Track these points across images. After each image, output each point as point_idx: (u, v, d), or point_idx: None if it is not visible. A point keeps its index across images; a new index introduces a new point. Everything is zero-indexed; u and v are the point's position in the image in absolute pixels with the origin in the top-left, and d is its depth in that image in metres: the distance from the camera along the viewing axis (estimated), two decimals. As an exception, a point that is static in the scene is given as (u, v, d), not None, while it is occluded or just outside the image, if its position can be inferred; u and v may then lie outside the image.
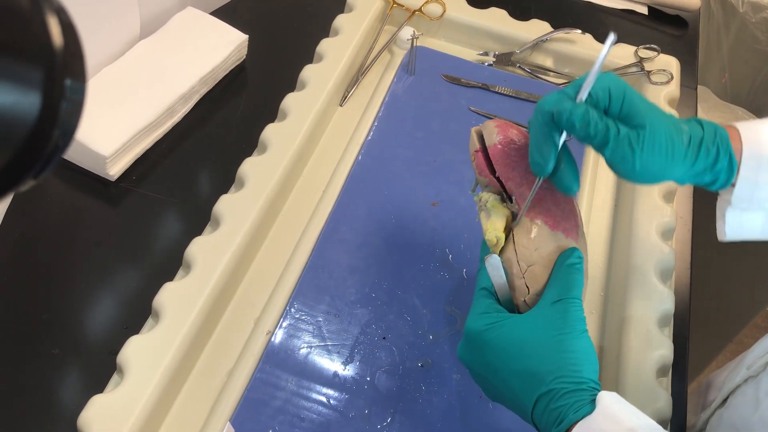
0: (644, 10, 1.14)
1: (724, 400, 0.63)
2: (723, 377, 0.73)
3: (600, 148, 0.53)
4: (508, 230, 0.57)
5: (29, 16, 0.24)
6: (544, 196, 0.57)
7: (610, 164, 0.55)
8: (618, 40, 1.00)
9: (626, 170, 0.54)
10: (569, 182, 0.55)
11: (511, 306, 0.57)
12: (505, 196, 0.58)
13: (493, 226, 0.56)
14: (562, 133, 0.53)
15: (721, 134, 0.55)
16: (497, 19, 0.99)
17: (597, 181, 0.86)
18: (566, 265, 0.55)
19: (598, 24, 1.10)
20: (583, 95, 0.52)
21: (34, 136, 0.25)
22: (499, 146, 0.59)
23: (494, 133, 0.60)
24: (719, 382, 0.74)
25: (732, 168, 0.55)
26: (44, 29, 0.24)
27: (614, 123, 0.53)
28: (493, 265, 0.55)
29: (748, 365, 0.61)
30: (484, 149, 0.60)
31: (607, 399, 0.47)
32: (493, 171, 0.59)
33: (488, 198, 0.58)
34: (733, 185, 0.56)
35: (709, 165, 0.55)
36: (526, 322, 0.53)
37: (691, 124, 0.56)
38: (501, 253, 0.56)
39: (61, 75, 0.25)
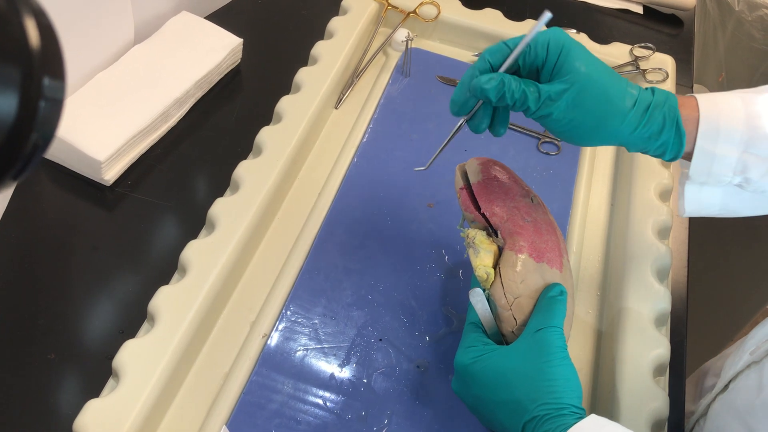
0: (639, 9, 1.14)
1: (726, 386, 0.63)
2: (721, 364, 0.73)
3: (526, 113, 0.54)
4: (496, 264, 0.60)
5: (6, 17, 0.24)
6: (527, 228, 0.60)
7: (543, 125, 0.56)
8: (613, 39, 1.00)
9: (555, 129, 0.55)
10: (478, 123, 0.57)
11: (500, 338, 0.60)
12: (491, 231, 0.61)
13: (482, 263, 0.59)
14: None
15: (671, 103, 0.55)
16: (492, 19, 0.99)
17: (593, 181, 0.86)
18: (548, 298, 0.57)
19: (594, 23, 1.10)
20: (505, 68, 0.54)
21: (13, 136, 0.25)
22: (483, 183, 0.62)
23: (477, 171, 0.63)
24: (717, 369, 0.74)
25: (680, 139, 0.54)
26: (21, 30, 0.24)
27: (534, 86, 0.53)
28: (477, 298, 0.59)
29: (751, 351, 0.61)
30: (468, 186, 0.63)
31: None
32: (477, 207, 0.62)
33: (475, 235, 0.61)
34: (689, 155, 0.56)
35: (654, 132, 0.54)
36: (509, 354, 0.55)
37: (643, 90, 0.55)
38: (489, 286, 0.59)
39: (39, 74, 0.25)
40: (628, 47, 0.98)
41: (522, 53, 0.53)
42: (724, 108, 0.54)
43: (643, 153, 0.57)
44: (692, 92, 1.02)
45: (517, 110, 0.54)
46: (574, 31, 0.97)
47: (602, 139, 0.55)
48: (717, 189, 0.57)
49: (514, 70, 0.55)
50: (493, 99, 0.53)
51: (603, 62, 0.55)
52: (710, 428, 0.64)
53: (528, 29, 0.97)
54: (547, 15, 0.51)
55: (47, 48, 0.25)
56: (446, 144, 0.60)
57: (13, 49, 0.24)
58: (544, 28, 0.53)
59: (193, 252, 0.66)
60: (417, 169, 0.66)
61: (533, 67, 0.54)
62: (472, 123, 0.57)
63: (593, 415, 0.50)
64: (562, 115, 0.53)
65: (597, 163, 0.89)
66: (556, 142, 0.88)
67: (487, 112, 0.57)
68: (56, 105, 0.26)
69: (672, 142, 0.55)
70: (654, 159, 0.83)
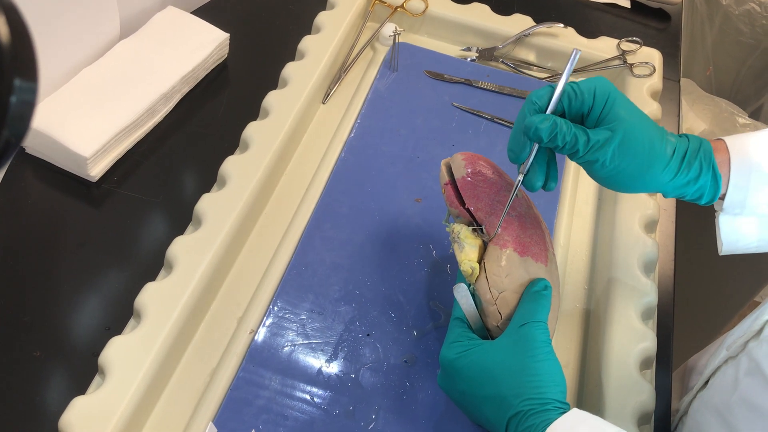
0: (627, 4, 1.14)
1: (706, 382, 0.64)
2: (704, 361, 0.74)
3: (572, 157, 0.56)
4: (481, 259, 0.60)
5: None
6: (512, 222, 0.60)
7: (587, 172, 0.57)
8: (600, 34, 1.00)
9: (600, 175, 0.56)
10: (534, 180, 0.58)
11: (485, 333, 0.60)
12: (476, 226, 0.61)
13: (467, 257, 0.59)
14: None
15: (706, 148, 0.57)
16: (480, 14, 0.99)
17: (581, 175, 0.87)
18: (532, 292, 0.57)
19: (581, 18, 1.10)
20: (552, 107, 0.55)
21: None
22: (468, 178, 0.62)
23: (462, 166, 0.63)
24: (701, 366, 0.74)
25: (717, 183, 0.56)
26: None
27: (584, 131, 0.55)
28: (461, 293, 0.59)
29: (728, 346, 0.61)
30: (453, 182, 0.63)
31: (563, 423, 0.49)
32: (462, 202, 0.62)
33: (460, 230, 0.61)
34: (723, 196, 0.57)
35: (692, 178, 0.56)
36: (494, 349, 0.55)
37: (679, 137, 0.57)
38: (474, 281, 0.59)
39: (9, 70, 0.24)
40: (615, 41, 0.98)
41: (569, 99, 0.55)
42: (753, 143, 0.57)
43: (680, 198, 0.58)
44: (679, 86, 1.02)
45: (566, 152, 0.55)
46: (561, 25, 0.97)
47: (644, 185, 0.56)
48: (751, 219, 0.58)
49: (561, 114, 0.57)
50: (545, 139, 0.54)
51: (643, 112, 0.57)
52: (691, 425, 0.64)
53: (512, 24, 0.97)
54: (577, 52, 0.55)
55: (18, 44, 0.25)
56: (509, 205, 0.60)
57: None
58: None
59: (179, 248, 0.66)
60: (488, 238, 0.63)
61: (579, 113, 0.56)
62: (528, 178, 0.58)
63: (575, 410, 0.50)
64: (609, 161, 0.54)
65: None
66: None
67: (542, 165, 0.58)
68: (28, 102, 0.26)
69: (709, 186, 0.56)
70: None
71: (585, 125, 0.56)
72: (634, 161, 0.54)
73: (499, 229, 0.60)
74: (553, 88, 0.55)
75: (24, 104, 0.25)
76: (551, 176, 0.59)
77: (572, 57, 0.55)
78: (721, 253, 0.61)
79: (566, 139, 0.54)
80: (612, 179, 0.56)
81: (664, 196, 0.58)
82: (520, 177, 0.58)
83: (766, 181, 0.56)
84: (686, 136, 0.58)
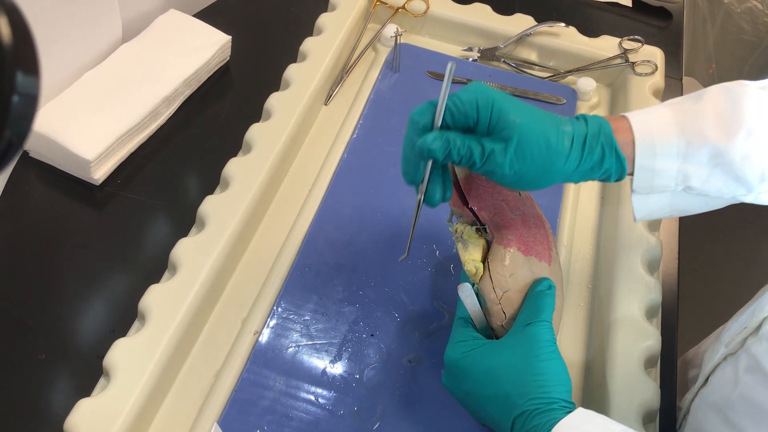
0: (628, 2, 1.14)
1: (706, 380, 0.63)
2: (700, 355, 0.73)
3: (471, 168, 0.54)
4: (485, 258, 0.60)
5: None
6: (515, 221, 0.60)
7: (490, 179, 0.56)
8: (602, 32, 1.00)
9: (502, 182, 0.55)
10: (434, 196, 0.57)
11: (489, 332, 0.60)
12: (479, 226, 0.61)
13: (471, 257, 0.59)
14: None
15: (606, 131, 0.55)
16: (481, 14, 0.99)
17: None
18: (536, 292, 0.57)
19: (582, 17, 1.10)
20: (438, 122, 0.53)
21: None
22: (470, 178, 0.62)
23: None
24: (698, 360, 0.74)
25: (621, 164, 0.55)
26: None
27: (478, 142, 0.53)
28: (466, 293, 0.59)
29: (726, 343, 0.61)
30: (456, 181, 0.63)
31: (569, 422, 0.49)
32: (465, 202, 0.62)
33: (463, 229, 0.61)
34: (631, 174, 0.57)
35: (596, 163, 0.55)
36: (498, 348, 0.55)
37: (576, 122, 0.56)
38: (478, 280, 0.59)
39: (11, 70, 0.24)
40: (617, 40, 0.98)
41: (451, 114, 0.53)
42: (656, 125, 0.56)
43: (589, 181, 0.58)
44: (681, 84, 1.02)
45: (463, 165, 0.54)
46: (563, 24, 0.97)
47: (548, 181, 0.55)
48: (663, 195, 0.58)
49: (447, 128, 0.55)
50: (440, 157, 0.52)
51: (531, 106, 0.55)
52: (692, 423, 0.64)
53: (513, 24, 0.97)
54: (451, 65, 0.51)
55: (20, 45, 0.25)
56: (414, 225, 0.60)
57: None
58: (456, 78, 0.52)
59: (183, 250, 0.66)
60: (401, 259, 0.67)
61: (465, 127, 0.54)
62: (428, 195, 0.57)
63: (580, 409, 0.50)
64: (508, 169, 0.53)
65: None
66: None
67: (437, 179, 0.56)
68: (30, 101, 0.26)
69: (614, 168, 0.55)
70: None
71: (477, 133, 0.54)
72: (533, 163, 0.53)
73: (504, 228, 0.60)
74: (434, 104, 0.53)
75: (26, 104, 0.26)
76: (447, 186, 0.58)
77: (448, 70, 0.52)
78: (635, 221, 0.61)
79: (461, 153, 0.52)
80: (516, 183, 0.55)
81: (573, 182, 0.57)
82: (420, 196, 0.57)
83: (670, 163, 0.55)
84: (584, 117, 0.56)
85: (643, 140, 0.55)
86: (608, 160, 0.55)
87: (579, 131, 0.55)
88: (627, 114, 0.57)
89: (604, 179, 0.57)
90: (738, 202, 0.59)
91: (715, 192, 0.57)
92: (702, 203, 0.59)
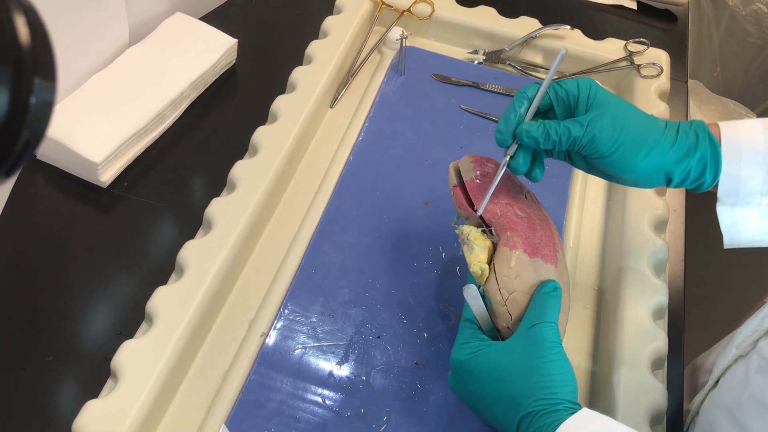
0: (633, 5, 1.14)
1: (716, 382, 0.63)
2: (711, 360, 0.73)
3: (572, 148, 0.57)
4: (491, 260, 0.60)
5: None
6: (521, 223, 0.61)
7: (590, 166, 0.59)
8: (607, 35, 1.00)
9: (601, 151, 0.56)
10: (520, 163, 0.59)
11: (495, 334, 0.60)
12: (485, 228, 0.61)
13: (477, 259, 0.59)
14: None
15: (698, 123, 0.57)
16: (486, 17, 0.99)
17: (589, 176, 0.86)
18: (542, 294, 0.57)
19: (587, 19, 1.10)
20: (538, 97, 0.58)
21: (3, 133, 0.25)
22: (477, 180, 0.63)
23: (470, 168, 0.64)
24: (708, 365, 0.74)
25: (717, 152, 0.56)
26: (11, 27, 0.24)
27: (574, 120, 0.57)
28: (471, 294, 0.59)
29: (738, 345, 0.61)
30: (462, 184, 0.64)
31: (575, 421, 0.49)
32: (471, 204, 0.62)
33: (469, 231, 0.61)
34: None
35: (691, 145, 0.56)
36: (504, 349, 0.55)
37: (671, 121, 0.58)
38: (484, 282, 0.59)
39: (29, 71, 0.25)
40: (622, 43, 0.98)
41: (554, 92, 0.58)
42: (744, 130, 0.56)
43: (685, 181, 0.58)
44: (686, 86, 1.02)
45: (564, 147, 0.57)
46: (568, 27, 0.97)
47: (648, 158, 0.56)
48: (750, 210, 0.58)
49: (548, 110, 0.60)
50: (542, 145, 0.57)
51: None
52: (702, 425, 0.64)
53: (518, 27, 0.97)
54: (563, 50, 0.57)
55: (38, 45, 0.25)
56: (499, 177, 0.61)
57: (3, 46, 0.24)
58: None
59: (190, 252, 0.67)
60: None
61: (567, 106, 0.58)
62: (514, 162, 0.60)
63: (585, 409, 0.50)
64: (607, 134, 0.55)
65: (593, 159, 0.89)
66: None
67: (528, 151, 0.60)
68: (47, 102, 0.26)
69: (710, 155, 0.56)
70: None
71: (575, 115, 0.59)
72: (631, 130, 0.56)
73: (503, 219, 0.61)
74: (539, 85, 0.58)
75: (43, 104, 0.26)
76: (538, 164, 0.61)
77: (559, 55, 0.57)
78: (725, 247, 0.61)
79: (559, 132, 0.56)
80: (615, 155, 0.56)
81: (671, 180, 0.57)
82: (507, 158, 0.60)
83: (756, 171, 0.56)
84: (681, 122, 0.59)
85: (730, 142, 0.56)
86: (702, 144, 0.56)
87: (670, 122, 0.58)
88: (719, 123, 0.58)
89: (700, 175, 0.57)
90: None
91: None
92: None
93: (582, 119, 0.56)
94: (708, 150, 0.56)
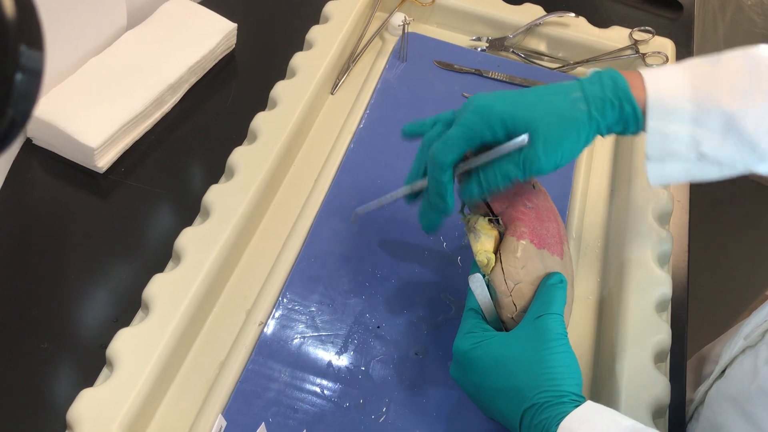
0: (639, -7, 1.13)
1: (722, 372, 0.62)
2: (718, 350, 0.72)
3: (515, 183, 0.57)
4: (497, 250, 0.59)
5: None
6: (529, 214, 0.60)
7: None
8: (612, 23, 0.99)
9: (544, 173, 0.56)
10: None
11: (499, 324, 0.59)
12: (493, 217, 0.61)
13: (483, 248, 0.58)
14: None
15: (622, 87, 0.55)
16: (490, 3, 0.97)
17: (592, 167, 0.85)
18: (548, 285, 0.56)
19: (592, 7, 1.08)
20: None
21: None
22: None
23: None
24: (714, 356, 0.73)
25: (636, 115, 0.55)
26: None
27: (505, 161, 0.56)
28: (477, 284, 0.58)
29: (746, 335, 0.60)
30: None
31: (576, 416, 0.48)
32: None
33: (476, 220, 0.60)
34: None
35: (615, 119, 0.56)
36: (509, 340, 0.54)
37: (589, 84, 0.56)
38: (490, 272, 0.58)
39: (14, 45, 0.23)
40: (627, 31, 0.97)
41: (468, 143, 0.57)
42: (669, 86, 0.55)
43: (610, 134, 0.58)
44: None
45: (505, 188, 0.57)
46: (573, 14, 0.96)
47: (582, 145, 0.56)
48: (677, 164, 0.57)
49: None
50: (488, 196, 0.58)
51: (534, 89, 0.57)
52: (708, 415, 0.63)
53: (522, 14, 0.96)
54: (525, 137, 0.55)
55: (23, 18, 0.24)
56: (383, 204, 0.63)
57: None
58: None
59: (187, 239, 0.66)
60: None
61: (486, 144, 0.57)
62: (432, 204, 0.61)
63: (589, 402, 0.49)
64: (545, 162, 0.54)
65: (597, 149, 0.88)
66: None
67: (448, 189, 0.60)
68: (34, 78, 0.25)
69: (632, 122, 0.56)
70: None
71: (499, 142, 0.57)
72: (564, 143, 0.55)
73: (514, 218, 0.59)
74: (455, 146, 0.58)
75: (30, 81, 0.24)
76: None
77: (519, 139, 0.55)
78: (651, 185, 0.61)
79: (499, 183, 0.56)
80: (558, 165, 0.56)
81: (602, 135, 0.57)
82: (407, 192, 0.63)
83: (682, 127, 0.55)
84: (597, 75, 0.56)
85: (656, 100, 0.55)
86: (626, 112, 0.55)
87: (594, 93, 0.55)
88: (642, 71, 0.56)
89: (621, 132, 0.57)
90: (752, 173, 0.57)
91: (728, 160, 0.55)
92: (716, 171, 0.57)
93: (516, 157, 0.55)
94: (630, 115, 0.55)
